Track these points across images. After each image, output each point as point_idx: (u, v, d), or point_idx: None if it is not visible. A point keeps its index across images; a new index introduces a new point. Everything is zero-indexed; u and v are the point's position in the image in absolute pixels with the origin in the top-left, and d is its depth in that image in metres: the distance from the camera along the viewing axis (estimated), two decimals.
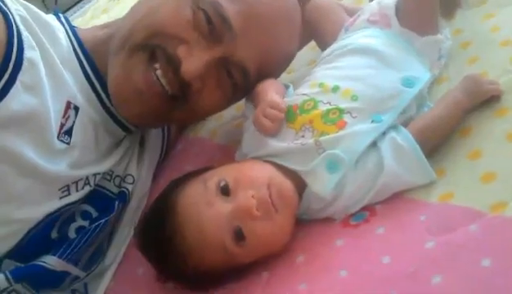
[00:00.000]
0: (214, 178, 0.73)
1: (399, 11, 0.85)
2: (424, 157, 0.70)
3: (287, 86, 0.85)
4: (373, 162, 0.72)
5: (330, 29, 0.95)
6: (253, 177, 0.72)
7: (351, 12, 0.99)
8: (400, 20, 0.85)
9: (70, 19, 0.97)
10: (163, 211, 0.74)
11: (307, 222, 0.76)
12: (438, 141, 0.73)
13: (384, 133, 0.74)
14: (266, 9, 0.83)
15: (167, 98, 0.81)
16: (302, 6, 0.96)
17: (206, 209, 0.70)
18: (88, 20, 1.63)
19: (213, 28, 0.79)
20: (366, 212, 0.72)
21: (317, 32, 0.99)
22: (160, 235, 0.73)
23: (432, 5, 0.84)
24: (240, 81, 0.83)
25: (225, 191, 0.71)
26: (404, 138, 0.72)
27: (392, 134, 0.73)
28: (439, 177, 0.70)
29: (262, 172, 0.74)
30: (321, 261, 0.69)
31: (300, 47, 1.09)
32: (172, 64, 0.79)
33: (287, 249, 0.73)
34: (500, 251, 0.57)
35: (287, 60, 0.94)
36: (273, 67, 0.88)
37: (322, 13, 0.98)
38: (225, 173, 0.74)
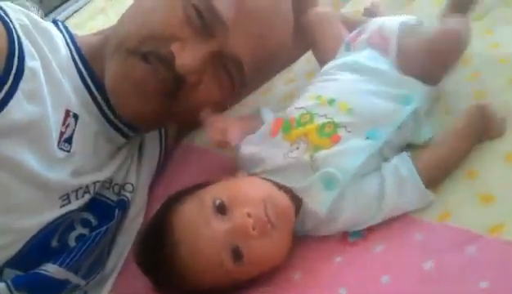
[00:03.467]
0: (210, 196, 0.73)
1: (402, 48, 0.82)
2: (424, 187, 0.70)
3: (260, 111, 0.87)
4: (375, 190, 0.72)
5: (329, 44, 0.94)
6: (249, 194, 0.72)
7: (350, 23, 0.98)
8: (400, 55, 0.82)
9: (65, 15, 0.97)
10: (160, 230, 0.74)
11: (304, 238, 0.76)
12: (445, 174, 0.73)
13: (387, 158, 0.75)
14: (256, 0, 0.83)
15: (164, 95, 0.81)
16: (300, 16, 0.96)
17: (202, 229, 0.70)
18: (86, 20, 1.62)
19: (205, 22, 0.80)
20: (363, 229, 0.72)
21: (316, 45, 0.98)
22: (158, 254, 0.73)
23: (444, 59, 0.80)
24: (236, 76, 0.84)
25: (221, 210, 0.71)
26: (406, 169, 0.71)
27: (396, 162, 0.73)
28: (438, 196, 0.71)
29: (258, 189, 0.73)
30: (319, 278, 0.70)
31: (298, 56, 1.10)
32: (167, 62, 0.79)
33: (284, 265, 0.73)
34: (498, 274, 0.58)
35: (281, 51, 0.93)
36: (268, 59, 0.88)
37: (321, 26, 0.96)
38: (220, 191, 0.74)
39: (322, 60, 0.93)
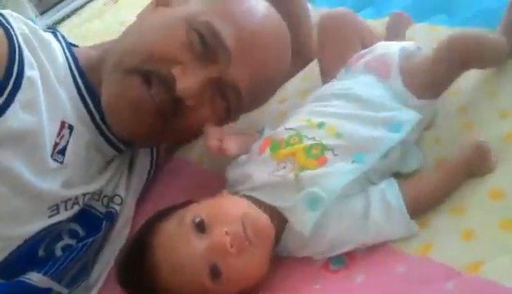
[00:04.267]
0: (190, 214, 0.74)
1: (404, 69, 0.83)
2: (408, 216, 0.71)
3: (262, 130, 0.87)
4: (360, 212, 0.73)
5: (336, 56, 0.93)
6: (227, 213, 0.73)
7: (370, 37, 0.98)
8: (403, 76, 0.83)
9: (65, 12, 0.97)
10: (141, 250, 0.74)
11: (286, 262, 0.77)
12: (431, 205, 0.74)
13: (375, 182, 0.75)
14: (258, 28, 0.84)
15: (159, 115, 0.82)
16: (294, 34, 0.95)
17: (182, 247, 0.71)
18: (83, 21, 1.62)
19: (208, 48, 0.80)
20: (345, 257, 0.73)
21: (324, 49, 0.97)
22: (138, 272, 0.74)
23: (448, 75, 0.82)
24: (233, 101, 0.85)
25: (200, 228, 0.72)
26: (393, 195, 0.72)
27: (384, 187, 0.74)
28: (421, 228, 0.71)
29: (237, 207, 0.74)
30: None
31: (294, 74, 1.10)
32: (167, 84, 0.80)
33: (266, 288, 0.74)
34: None
35: (279, 76, 0.95)
36: (266, 84, 0.89)
37: (335, 31, 0.95)
38: (200, 210, 0.75)
39: (326, 65, 0.94)
